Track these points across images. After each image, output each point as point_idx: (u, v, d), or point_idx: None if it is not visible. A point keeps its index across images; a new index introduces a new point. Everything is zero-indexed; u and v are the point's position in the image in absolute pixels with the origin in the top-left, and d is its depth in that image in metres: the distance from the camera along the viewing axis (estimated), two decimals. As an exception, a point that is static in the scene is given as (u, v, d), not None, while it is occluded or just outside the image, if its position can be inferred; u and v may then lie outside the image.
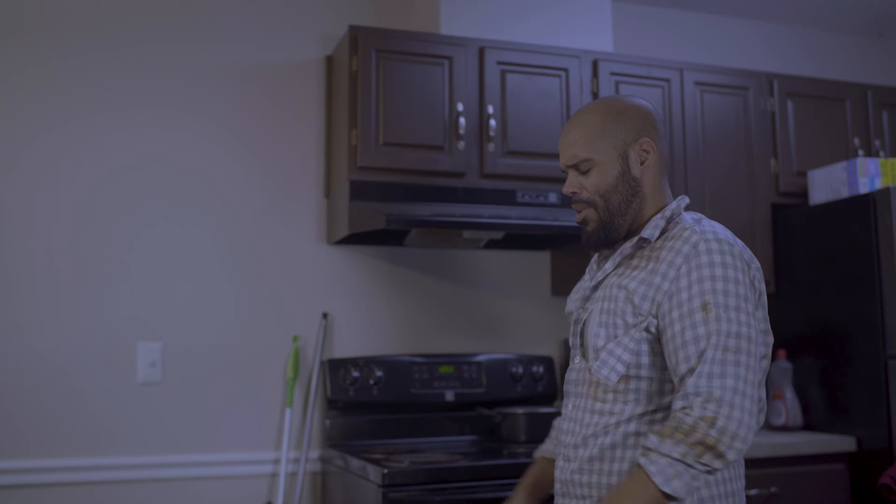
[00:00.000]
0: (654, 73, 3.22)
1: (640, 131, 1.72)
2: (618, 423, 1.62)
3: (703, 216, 1.73)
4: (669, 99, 3.23)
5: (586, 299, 1.75)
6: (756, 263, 1.66)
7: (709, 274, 1.57)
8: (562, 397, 3.22)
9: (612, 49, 3.24)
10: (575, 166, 1.73)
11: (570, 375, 1.75)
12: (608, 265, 1.73)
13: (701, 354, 1.53)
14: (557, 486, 1.74)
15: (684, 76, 3.27)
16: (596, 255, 1.84)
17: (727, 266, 1.58)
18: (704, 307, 1.55)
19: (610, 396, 1.64)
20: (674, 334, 1.57)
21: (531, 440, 2.93)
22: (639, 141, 1.71)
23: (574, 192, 1.74)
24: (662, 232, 1.69)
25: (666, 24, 3.80)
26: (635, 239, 1.69)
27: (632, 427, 1.61)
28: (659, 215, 1.70)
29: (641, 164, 1.71)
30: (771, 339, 1.68)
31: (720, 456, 1.47)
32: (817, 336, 3.16)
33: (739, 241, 1.65)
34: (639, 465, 1.49)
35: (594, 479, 1.63)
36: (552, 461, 1.93)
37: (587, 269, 1.87)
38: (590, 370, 1.67)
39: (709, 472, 1.49)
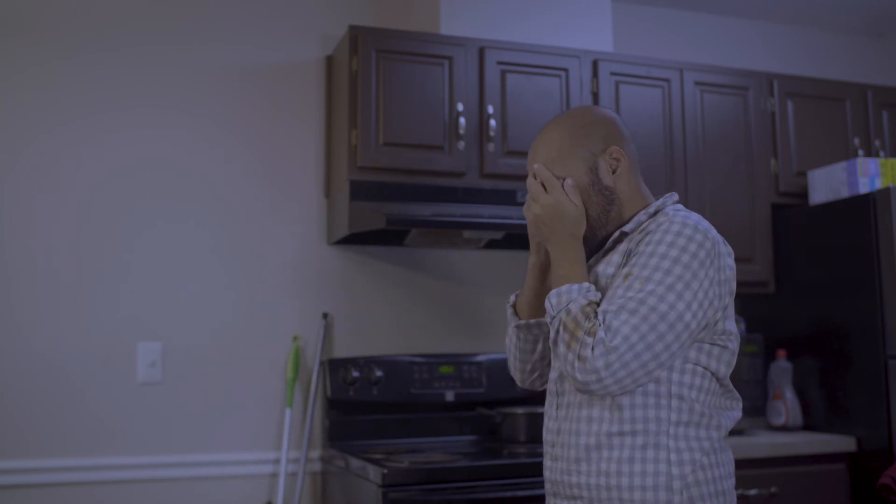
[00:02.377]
0: (654, 73, 3.22)
1: (607, 140, 1.72)
2: (600, 422, 1.62)
3: (687, 211, 1.72)
4: (669, 99, 3.23)
5: None
6: (730, 261, 1.64)
7: (651, 250, 1.58)
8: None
9: (612, 49, 3.24)
10: None
11: (554, 374, 1.75)
12: (591, 260, 1.75)
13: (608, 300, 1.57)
14: (547, 485, 1.74)
15: (684, 76, 3.27)
16: None
17: (674, 245, 1.57)
18: (626, 276, 1.57)
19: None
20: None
21: (531, 440, 2.93)
22: (608, 150, 1.72)
23: None
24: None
25: (666, 24, 3.80)
26: (616, 234, 1.71)
27: (614, 427, 1.61)
28: (643, 212, 1.71)
29: (613, 172, 1.72)
30: (735, 343, 1.66)
31: (581, 358, 1.52)
32: (817, 336, 3.16)
33: (714, 233, 1.63)
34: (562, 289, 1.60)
35: (582, 479, 1.64)
36: None
37: None
38: None
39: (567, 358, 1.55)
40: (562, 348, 1.57)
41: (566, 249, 1.67)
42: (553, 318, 1.60)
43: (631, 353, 1.50)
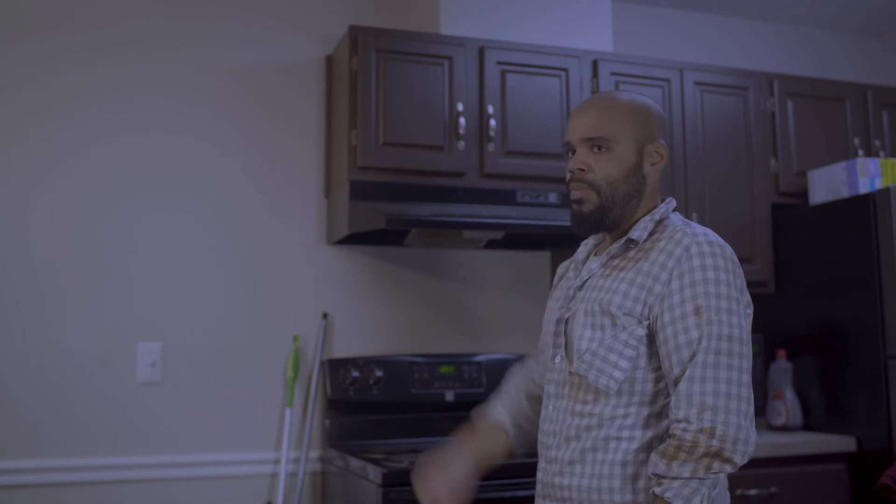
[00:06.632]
0: (654, 73, 3.22)
1: (657, 133, 1.73)
2: (600, 425, 1.63)
3: (689, 221, 1.74)
4: (669, 99, 3.23)
5: (571, 298, 1.74)
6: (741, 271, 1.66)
7: (701, 277, 1.58)
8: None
9: (612, 49, 3.24)
10: (592, 140, 1.68)
11: (552, 376, 1.75)
12: (594, 265, 1.72)
13: (692, 358, 1.54)
14: (539, 487, 1.75)
15: (684, 76, 3.27)
16: (578, 257, 1.83)
17: (718, 268, 1.59)
18: (697, 311, 1.56)
19: (591, 398, 1.64)
20: (666, 338, 1.58)
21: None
22: (656, 142, 1.72)
23: (581, 169, 1.69)
24: (651, 234, 1.69)
25: (666, 24, 3.80)
26: (623, 240, 1.70)
27: (612, 431, 1.62)
28: (648, 217, 1.70)
29: (652, 164, 1.72)
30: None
31: (727, 461, 1.51)
32: (817, 336, 3.16)
33: (728, 246, 1.65)
34: (656, 495, 1.51)
35: (574, 481, 1.64)
36: (503, 432, 1.91)
37: (566, 270, 1.86)
38: (570, 371, 1.67)
39: (722, 473, 1.53)
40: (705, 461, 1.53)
41: None
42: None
43: (743, 402, 1.53)
